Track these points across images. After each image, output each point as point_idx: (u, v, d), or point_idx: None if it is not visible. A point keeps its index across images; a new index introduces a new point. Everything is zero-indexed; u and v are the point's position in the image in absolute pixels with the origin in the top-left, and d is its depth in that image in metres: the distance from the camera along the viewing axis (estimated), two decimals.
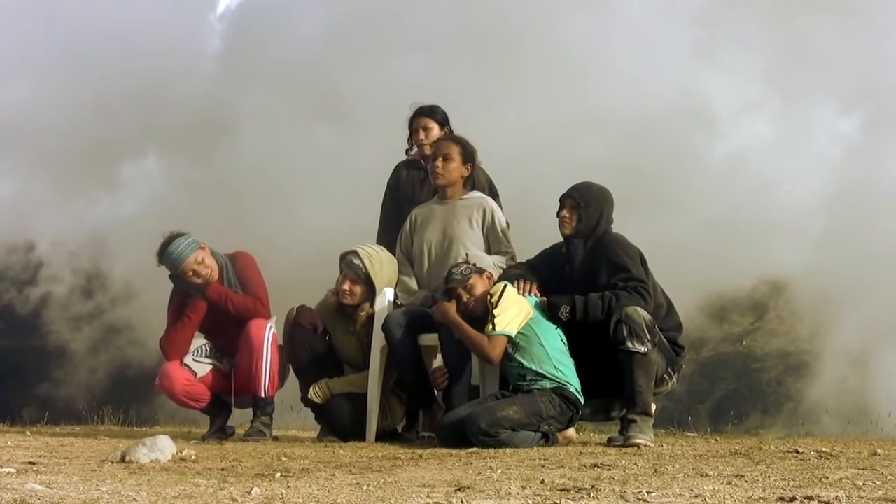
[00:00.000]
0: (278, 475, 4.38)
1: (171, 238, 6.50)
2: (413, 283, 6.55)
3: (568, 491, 3.78)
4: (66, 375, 39.69)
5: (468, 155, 6.65)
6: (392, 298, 6.48)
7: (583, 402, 5.75)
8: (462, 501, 3.57)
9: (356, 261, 6.42)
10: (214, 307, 6.54)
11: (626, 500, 3.57)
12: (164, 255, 6.47)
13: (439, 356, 6.29)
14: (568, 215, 6.09)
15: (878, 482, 3.98)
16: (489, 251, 6.50)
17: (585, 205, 6.07)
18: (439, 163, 6.60)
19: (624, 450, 5.46)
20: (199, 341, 6.65)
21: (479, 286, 5.99)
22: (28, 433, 7.33)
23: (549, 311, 5.87)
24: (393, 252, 6.66)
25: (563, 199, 6.15)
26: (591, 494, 3.69)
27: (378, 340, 6.32)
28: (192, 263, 6.46)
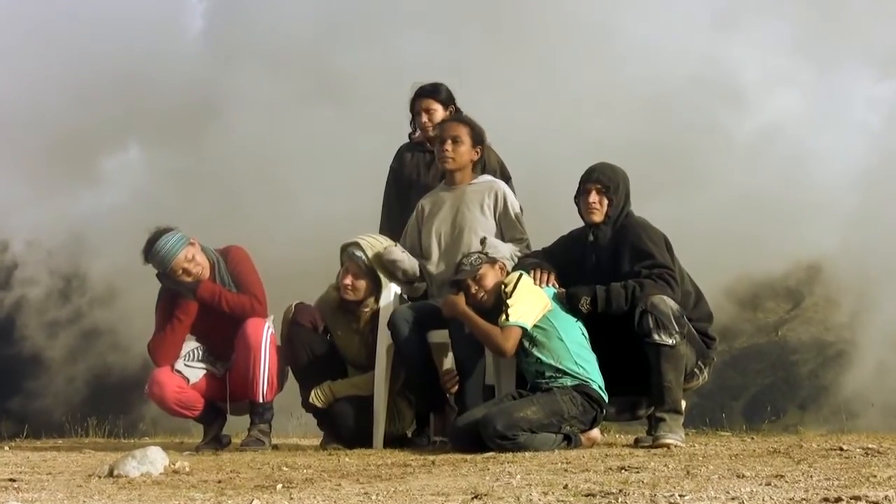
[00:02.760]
0: (280, 486, 4.39)
1: (158, 234, 6.51)
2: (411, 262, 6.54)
3: (594, 496, 3.78)
4: (41, 387, 39.67)
5: (478, 136, 6.66)
6: (398, 293, 6.49)
7: (607, 400, 5.75)
8: None
9: (358, 253, 6.44)
10: (206, 307, 6.55)
11: None
12: (151, 252, 6.48)
13: (450, 354, 6.30)
14: (597, 201, 6.07)
15: None
16: (502, 239, 6.50)
17: (614, 188, 6.06)
18: (448, 146, 6.60)
19: (653, 451, 5.47)
20: (190, 344, 6.67)
21: (490, 277, 6.01)
22: (6, 448, 7.35)
23: (568, 302, 5.88)
24: (398, 242, 6.66)
25: (586, 184, 6.12)
26: (619, 499, 3.69)
27: (384, 338, 6.33)
28: (181, 261, 6.47)
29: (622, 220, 6.06)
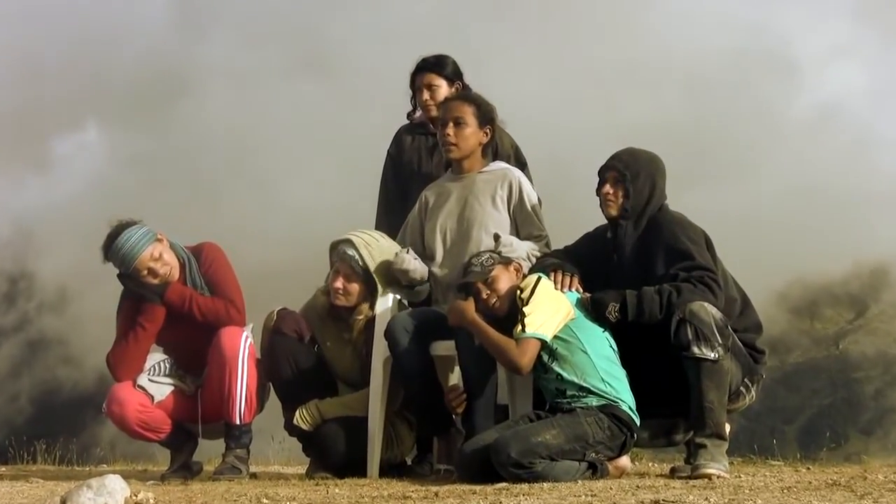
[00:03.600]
0: None
1: (120, 228, 6.53)
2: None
3: None
4: None
5: (485, 115, 6.66)
6: (397, 298, 6.52)
7: (638, 423, 5.78)
8: None
9: (350, 251, 6.46)
10: (175, 313, 6.57)
11: None
12: (112, 249, 6.50)
13: (457, 369, 6.32)
14: (612, 191, 6.10)
15: None
16: (517, 236, 6.51)
17: (632, 177, 6.08)
18: (450, 130, 6.60)
19: (692, 482, 5.48)
20: (156, 356, 6.69)
21: (504, 280, 6.03)
22: None
23: (593, 310, 5.90)
24: (395, 239, 6.69)
25: (603, 172, 6.16)
26: None
27: (380, 350, 6.36)
28: (146, 260, 6.50)
29: (653, 215, 6.08)
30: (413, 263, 6.45)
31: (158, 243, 6.55)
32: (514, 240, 6.42)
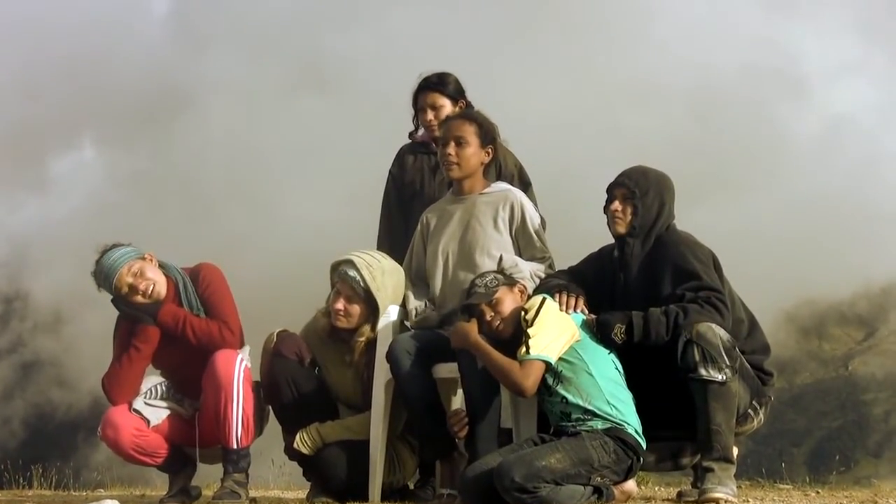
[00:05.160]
0: None
1: (105, 250, 6.57)
2: (417, 303, 6.58)
3: None
4: None
5: (486, 135, 6.67)
6: (398, 319, 6.52)
7: (644, 446, 5.77)
8: None
9: (352, 272, 6.46)
10: (169, 335, 6.58)
11: None
12: (96, 270, 6.54)
13: (460, 391, 6.32)
14: (620, 209, 6.12)
15: None
16: (521, 257, 6.51)
17: (641, 195, 6.10)
18: (451, 150, 6.61)
19: None
20: (153, 380, 6.68)
21: (508, 301, 6.04)
22: None
23: (599, 331, 5.90)
24: (399, 261, 6.69)
25: (612, 189, 6.18)
26: None
27: (382, 373, 6.36)
28: (124, 276, 6.50)
29: (661, 235, 6.09)
30: (429, 318, 6.48)
31: (140, 261, 6.56)
32: (519, 260, 6.43)
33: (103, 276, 6.51)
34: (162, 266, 6.65)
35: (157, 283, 6.56)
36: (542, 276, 6.39)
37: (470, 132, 6.61)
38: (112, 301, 6.61)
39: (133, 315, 6.57)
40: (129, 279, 6.50)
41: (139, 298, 6.53)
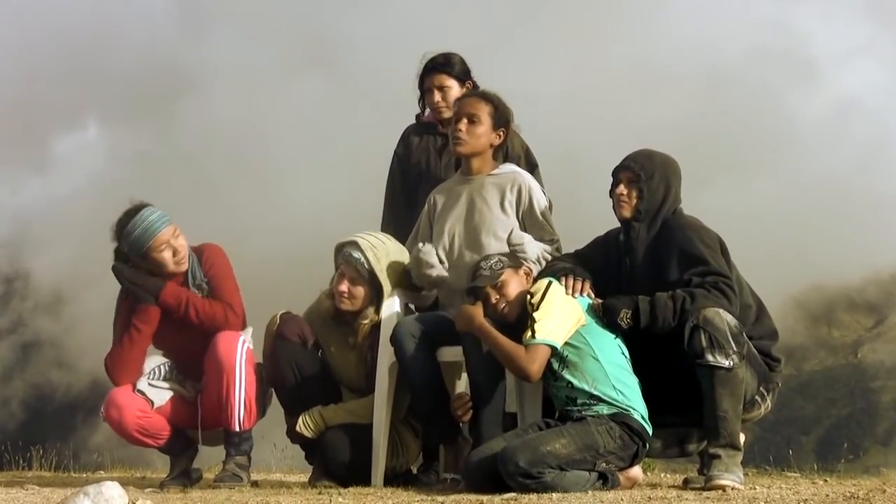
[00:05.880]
0: None
1: (139, 207, 6.55)
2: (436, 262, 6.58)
3: None
4: None
5: (501, 117, 6.67)
6: (402, 300, 6.53)
7: (651, 432, 5.78)
8: None
9: (356, 254, 6.47)
10: (171, 315, 6.59)
11: None
12: (129, 226, 6.49)
13: (464, 375, 6.33)
14: (625, 192, 6.12)
15: None
16: None
17: (647, 178, 6.10)
18: (463, 126, 6.60)
19: (705, 494, 5.48)
20: (155, 360, 6.71)
21: (514, 284, 6.04)
22: None
23: (605, 316, 5.90)
24: (403, 243, 6.71)
25: (617, 173, 6.19)
26: None
27: (386, 356, 6.38)
28: (167, 235, 6.50)
29: (667, 219, 6.09)
30: (434, 258, 6.47)
31: (175, 229, 6.56)
32: (527, 238, 6.43)
33: (140, 229, 6.47)
34: None
35: (185, 257, 6.58)
36: (549, 258, 6.40)
37: (484, 111, 6.62)
38: (114, 268, 6.58)
39: (135, 293, 6.57)
40: (171, 240, 6.51)
41: (169, 262, 6.52)
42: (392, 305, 6.48)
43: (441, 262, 6.53)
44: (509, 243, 6.35)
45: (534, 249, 6.39)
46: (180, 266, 6.57)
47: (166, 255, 6.52)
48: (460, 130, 6.59)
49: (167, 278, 6.58)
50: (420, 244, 6.55)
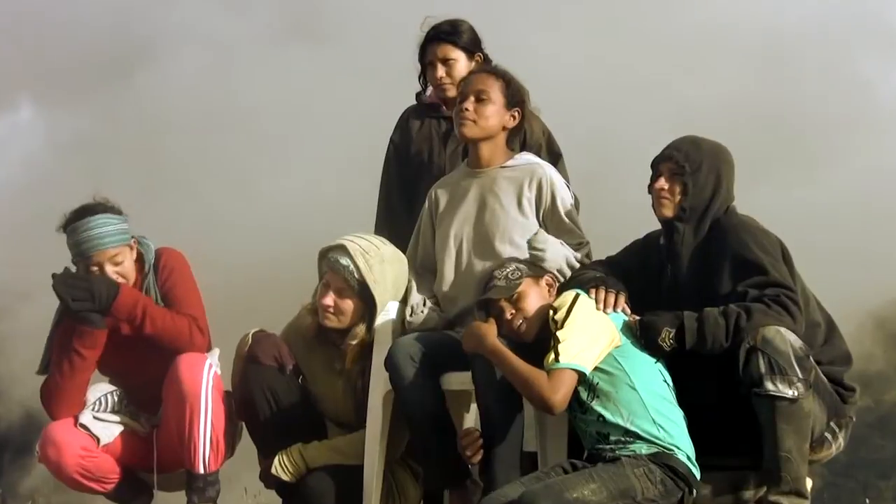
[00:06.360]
0: None
1: (104, 207, 6.57)
2: (417, 298, 6.61)
3: None
4: None
5: (514, 95, 6.66)
6: (399, 318, 6.54)
7: (698, 475, 5.78)
8: None
9: (344, 260, 6.46)
10: (121, 333, 6.57)
11: None
12: (79, 223, 6.50)
13: (473, 407, 6.33)
14: (667, 187, 6.11)
15: None
16: None
17: (693, 170, 6.08)
18: (470, 105, 6.58)
19: None
20: (102, 388, 6.71)
21: (533, 297, 6.05)
22: None
23: (643, 335, 5.89)
24: (401, 247, 6.72)
25: (658, 164, 6.18)
26: None
27: (379, 383, 6.37)
28: (109, 255, 6.50)
29: (717, 219, 6.10)
30: (429, 320, 6.50)
31: (128, 249, 6.56)
32: (551, 240, 6.41)
33: (88, 234, 6.48)
34: (139, 244, 6.65)
35: (127, 277, 6.57)
36: (577, 265, 6.40)
37: (494, 87, 6.61)
38: (55, 278, 6.53)
39: (77, 314, 6.49)
40: (107, 264, 6.50)
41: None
42: (387, 323, 6.48)
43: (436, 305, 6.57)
44: (529, 246, 6.33)
45: (557, 255, 6.38)
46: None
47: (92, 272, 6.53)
48: (467, 110, 6.57)
49: None
50: (409, 306, 6.58)
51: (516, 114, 6.65)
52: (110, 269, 6.50)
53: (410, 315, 6.51)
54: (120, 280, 6.53)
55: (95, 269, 6.49)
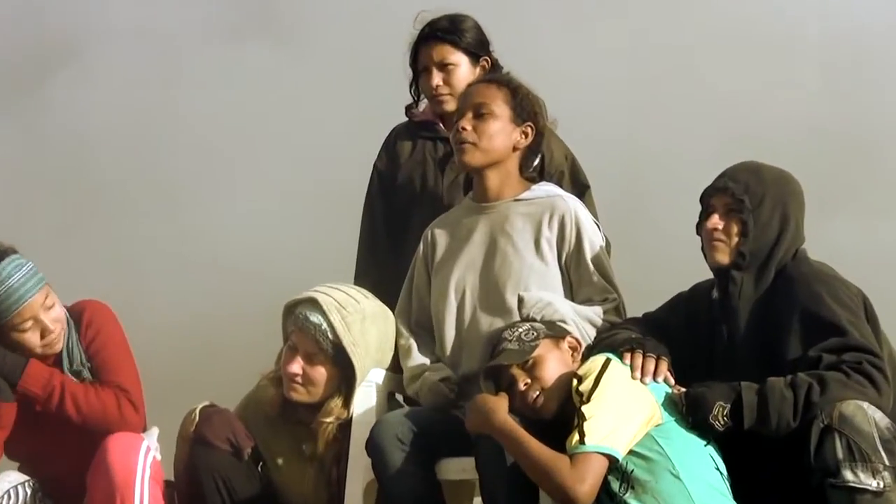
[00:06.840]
0: None
1: (2, 253, 6.49)
2: (420, 357, 6.56)
3: None
4: None
5: (524, 106, 6.62)
6: (385, 389, 6.51)
7: None
8: None
9: (315, 318, 6.43)
10: (35, 409, 6.55)
11: None
12: None
13: (477, 501, 6.28)
14: (721, 226, 6.06)
15: None
16: (573, 299, 6.49)
17: (754, 206, 6.04)
18: (468, 123, 6.53)
19: None
20: (11, 477, 6.71)
21: (553, 363, 6.02)
22: None
23: (691, 411, 5.84)
24: (387, 302, 6.71)
25: (709, 197, 6.15)
26: None
27: (360, 471, 6.36)
28: (37, 305, 6.44)
29: (783, 265, 6.07)
30: (437, 393, 6.44)
31: (49, 289, 6.53)
32: (551, 298, 6.36)
33: (6, 289, 6.41)
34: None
35: (61, 332, 6.55)
36: (605, 323, 6.37)
37: (497, 99, 6.55)
38: None
39: None
40: (40, 312, 6.46)
41: (35, 345, 6.48)
42: (369, 395, 6.46)
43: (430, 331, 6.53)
44: (521, 305, 6.28)
45: (566, 308, 6.34)
46: (51, 348, 6.53)
47: (29, 337, 6.49)
48: (464, 129, 6.50)
49: (28, 355, 6.51)
50: (410, 377, 6.54)
51: (528, 130, 6.59)
52: (48, 319, 6.46)
53: (412, 384, 6.46)
54: (58, 330, 6.52)
55: (23, 333, 6.44)
